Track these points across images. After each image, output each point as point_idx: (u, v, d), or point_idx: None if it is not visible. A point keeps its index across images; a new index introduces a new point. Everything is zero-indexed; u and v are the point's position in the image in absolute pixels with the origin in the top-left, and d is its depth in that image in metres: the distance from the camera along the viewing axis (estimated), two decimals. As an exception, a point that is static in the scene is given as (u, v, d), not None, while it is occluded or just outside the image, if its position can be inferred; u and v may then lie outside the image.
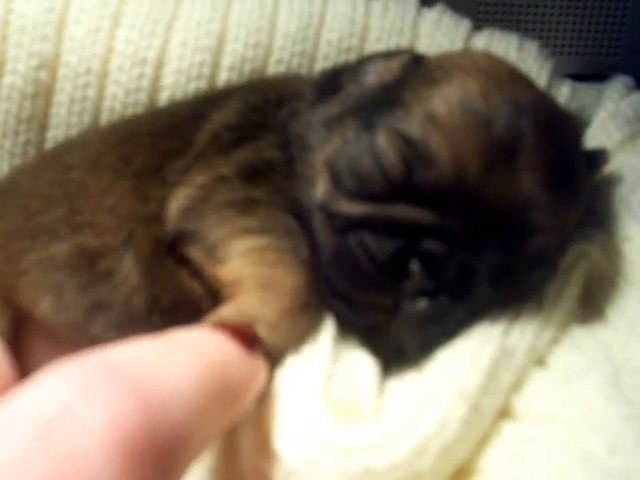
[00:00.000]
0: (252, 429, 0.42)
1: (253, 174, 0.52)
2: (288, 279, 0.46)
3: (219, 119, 0.57)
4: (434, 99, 0.46)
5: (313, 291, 0.47)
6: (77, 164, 0.57)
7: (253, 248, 0.48)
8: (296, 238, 0.49)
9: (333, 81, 0.57)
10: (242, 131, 0.55)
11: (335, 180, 0.48)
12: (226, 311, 0.44)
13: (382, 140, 0.46)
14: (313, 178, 0.50)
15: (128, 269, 0.50)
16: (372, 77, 0.54)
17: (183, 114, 0.61)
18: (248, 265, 0.47)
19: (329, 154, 0.50)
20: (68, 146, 0.63)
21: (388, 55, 0.56)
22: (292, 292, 0.46)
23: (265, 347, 0.43)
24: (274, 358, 0.43)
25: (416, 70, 0.51)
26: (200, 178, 0.52)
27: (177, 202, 0.52)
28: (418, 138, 0.45)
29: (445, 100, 0.45)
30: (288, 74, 0.68)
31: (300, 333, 0.45)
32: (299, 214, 0.50)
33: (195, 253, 0.50)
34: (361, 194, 0.47)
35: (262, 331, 0.43)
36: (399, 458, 0.38)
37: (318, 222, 0.49)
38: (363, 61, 0.57)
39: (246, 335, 0.42)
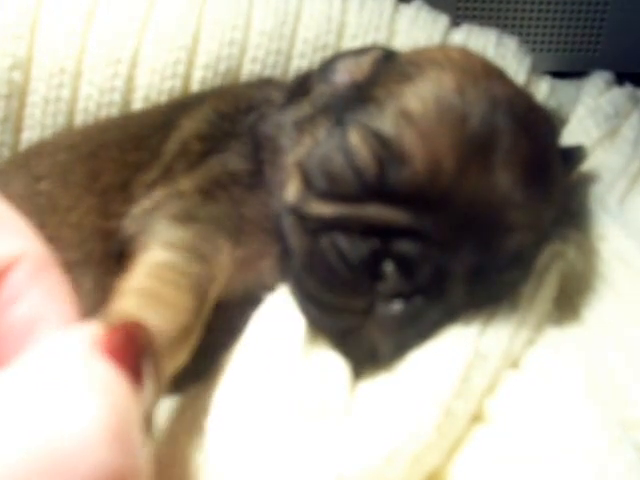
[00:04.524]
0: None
1: (214, 189, 0.51)
2: (178, 299, 0.41)
3: (189, 126, 0.56)
4: (407, 95, 0.45)
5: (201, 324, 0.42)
6: (47, 174, 0.56)
7: (158, 263, 0.43)
8: (217, 260, 0.46)
9: (303, 83, 0.56)
10: (211, 142, 0.55)
11: (306, 181, 0.48)
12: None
13: (354, 138, 0.45)
14: (283, 181, 0.50)
15: (90, 286, 0.50)
16: (343, 75, 0.53)
17: (152, 123, 0.60)
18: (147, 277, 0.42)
19: (300, 155, 0.49)
20: (39, 150, 0.62)
21: (358, 53, 0.55)
22: (184, 312, 0.40)
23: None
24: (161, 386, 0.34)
25: (388, 67, 0.50)
26: (158, 193, 0.51)
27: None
28: (391, 136, 0.44)
29: (419, 96, 0.44)
30: (261, 79, 0.67)
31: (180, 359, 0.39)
32: (268, 221, 0.49)
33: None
34: (333, 194, 0.46)
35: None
36: (370, 466, 0.37)
37: (289, 225, 0.48)
38: (333, 60, 0.56)
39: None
